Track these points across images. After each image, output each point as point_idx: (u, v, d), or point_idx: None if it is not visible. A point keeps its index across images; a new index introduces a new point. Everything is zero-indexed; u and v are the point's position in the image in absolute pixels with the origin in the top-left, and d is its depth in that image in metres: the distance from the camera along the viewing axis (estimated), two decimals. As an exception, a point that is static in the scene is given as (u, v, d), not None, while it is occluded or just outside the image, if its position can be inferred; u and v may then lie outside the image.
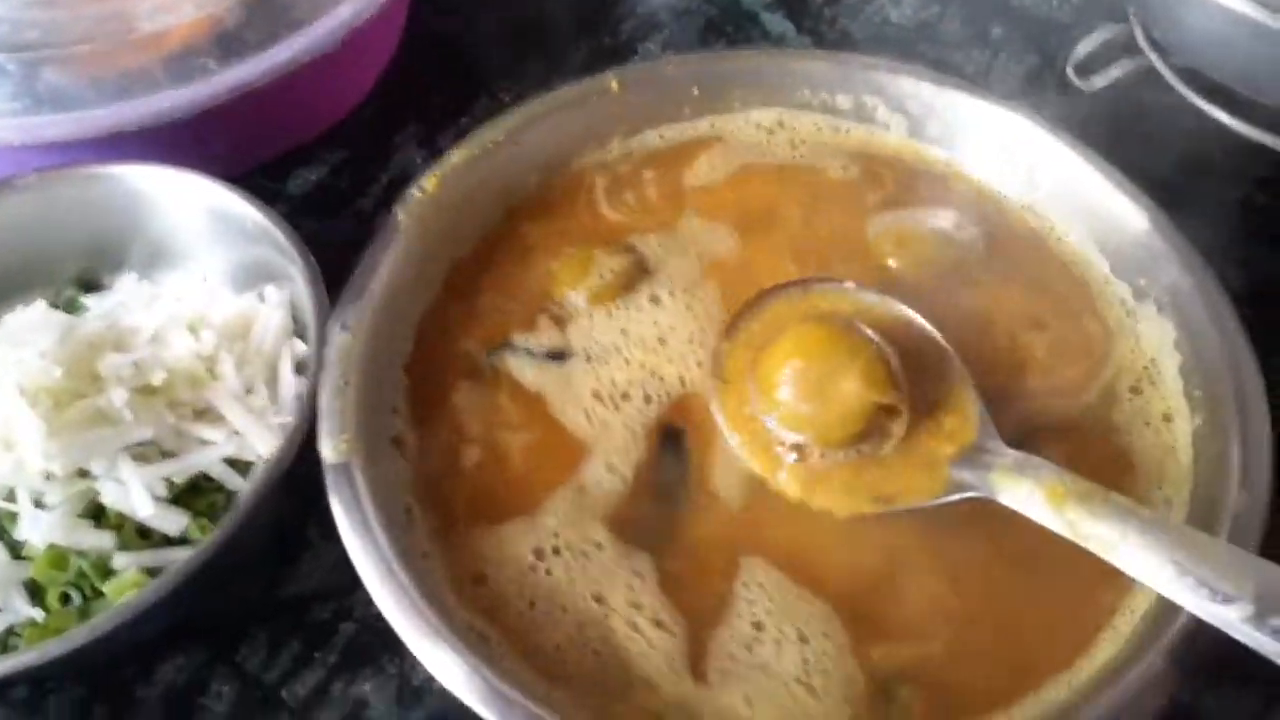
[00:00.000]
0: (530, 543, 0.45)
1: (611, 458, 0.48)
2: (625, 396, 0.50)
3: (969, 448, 0.44)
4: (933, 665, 0.43)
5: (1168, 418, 0.48)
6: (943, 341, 0.48)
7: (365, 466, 0.45)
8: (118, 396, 0.47)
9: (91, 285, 0.59)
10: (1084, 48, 0.70)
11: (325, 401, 0.46)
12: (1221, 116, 0.64)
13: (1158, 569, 0.37)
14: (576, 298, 0.53)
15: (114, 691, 0.48)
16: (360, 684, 0.49)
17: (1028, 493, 0.41)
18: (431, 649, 0.40)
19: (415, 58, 0.75)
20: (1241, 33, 0.57)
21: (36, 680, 0.48)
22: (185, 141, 0.61)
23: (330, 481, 0.44)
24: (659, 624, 0.43)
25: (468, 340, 0.52)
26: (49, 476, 0.46)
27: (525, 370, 0.51)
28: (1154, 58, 0.67)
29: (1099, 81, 0.68)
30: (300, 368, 0.52)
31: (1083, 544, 0.39)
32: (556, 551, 0.45)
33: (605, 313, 0.53)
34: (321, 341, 0.49)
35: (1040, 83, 0.72)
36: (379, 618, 0.49)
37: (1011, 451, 0.43)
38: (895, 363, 0.45)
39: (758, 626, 0.43)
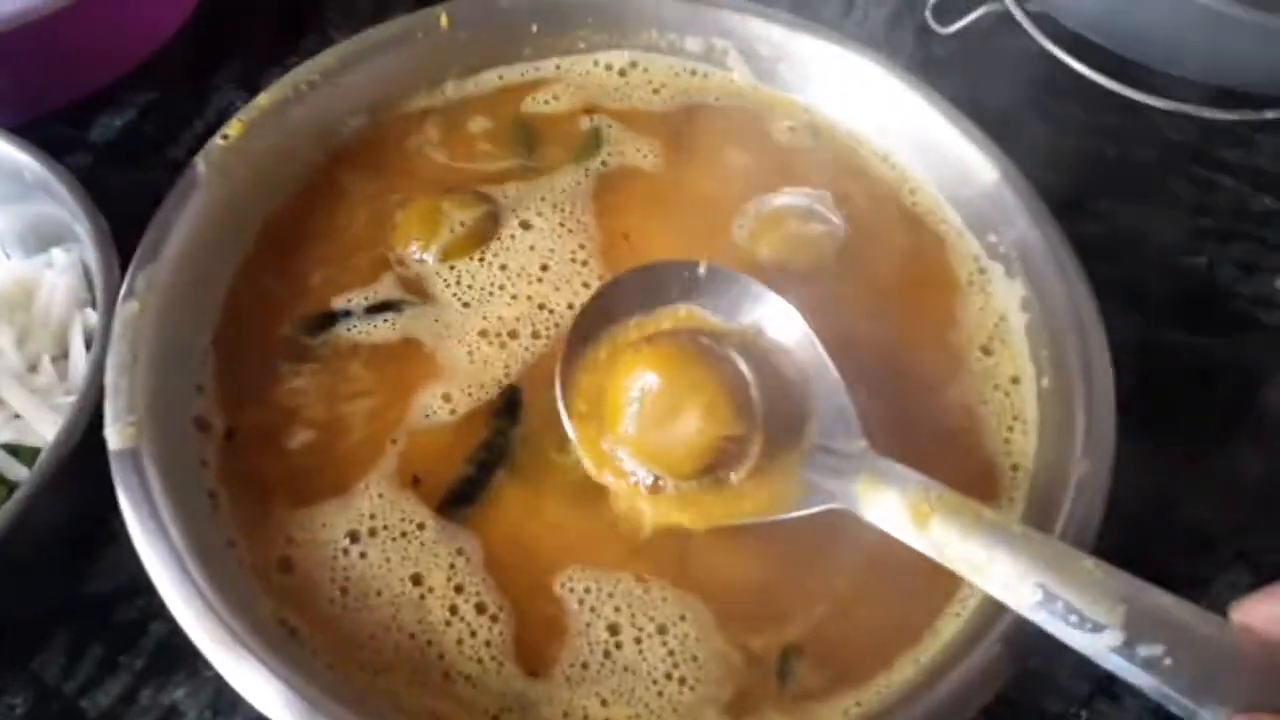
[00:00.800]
0: (344, 524, 0.42)
1: (451, 389, 0.45)
2: (513, 334, 0.47)
3: (814, 450, 0.42)
4: (821, 634, 0.41)
5: (1015, 380, 0.47)
6: (805, 336, 0.44)
7: (157, 451, 0.40)
8: None
9: None
10: (942, -9, 0.68)
11: (111, 380, 0.41)
12: (1073, 64, 0.63)
13: (1027, 594, 0.34)
14: (426, 255, 0.49)
15: (-119, 713, 0.43)
16: (171, 690, 0.45)
17: (893, 506, 0.38)
18: (229, 657, 0.36)
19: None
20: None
21: None
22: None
23: (115, 469, 0.40)
24: (481, 608, 0.40)
25: (291, 310, 0.47)
26: None
27: (374, 330, 0.47)
28: (1009, 3, 0.66)
29: (956, 26, 0.66)
30: (92, 340, 0.47)
31: (948, 565, 0.37)
32: (374, 533, 0.42)
33: (477, 261, 0.49)
34: (110, 311, 0.44)
35: (899, 26, 0.70)
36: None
37: (876, 458, 0.40)
38: (748, 379, 0.42)
39: (613, 629, 0.40)
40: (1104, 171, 0.61)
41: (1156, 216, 0.60)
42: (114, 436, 0.40)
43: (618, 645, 0.40)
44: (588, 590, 0.41)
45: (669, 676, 0.39)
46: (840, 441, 0.41)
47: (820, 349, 0.44)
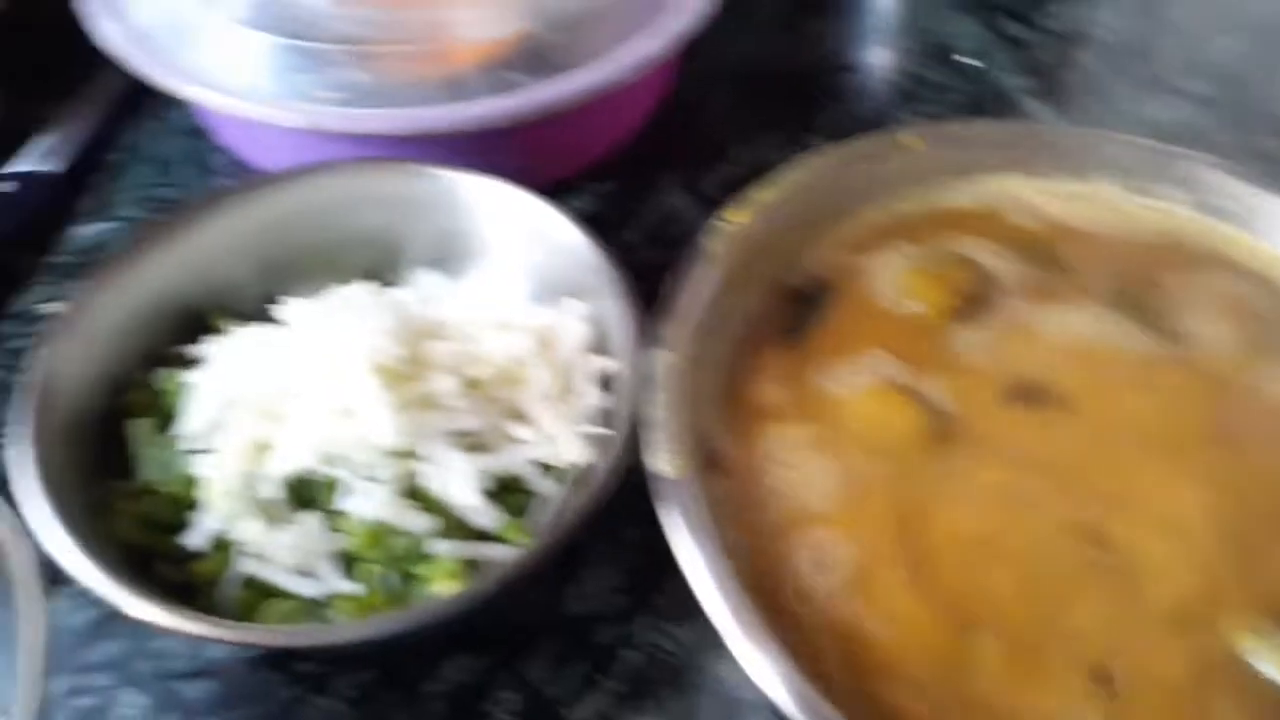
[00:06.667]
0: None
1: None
2: None
3: None
4: None
5: None
6: None
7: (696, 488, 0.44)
8: (448, 383, 0.47)
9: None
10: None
11: (661, 416, 0.45)
12: None
13: None
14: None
15: (400, 682, 0.47)
16: (643, 717, 0.47)
17: None
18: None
19: (670, 109, 0.76)
20: None
21: (331, 658, 0.47)
22: (480, 153, 0.62)
23: (669, 495, 0.43)
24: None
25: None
26: (386, 453, 0.45)
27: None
28: None
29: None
30: (606, 384, 0.52)
31: None
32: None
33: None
34: (635, 356, 0.48)
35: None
36: (663, 650, 0.48)
37: None
38: None
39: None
40: None
41: None
42: (666, 467, 0.44)
43: None
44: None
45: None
46: None
47: None
